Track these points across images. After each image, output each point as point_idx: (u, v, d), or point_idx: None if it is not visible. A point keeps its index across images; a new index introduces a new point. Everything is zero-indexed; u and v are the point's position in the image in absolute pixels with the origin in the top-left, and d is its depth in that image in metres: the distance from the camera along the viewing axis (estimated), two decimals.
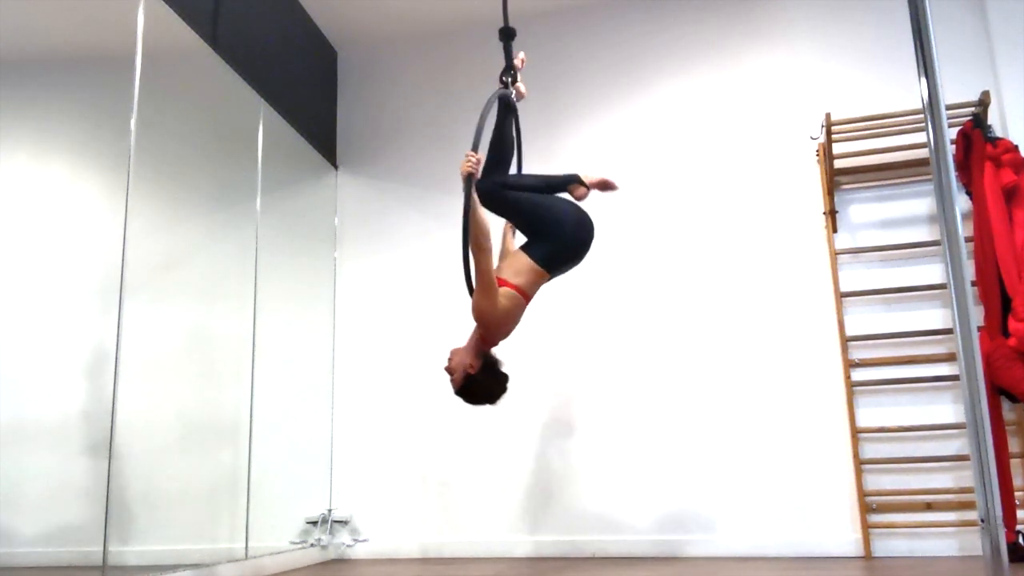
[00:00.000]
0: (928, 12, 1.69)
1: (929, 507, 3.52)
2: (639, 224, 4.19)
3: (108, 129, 2.91)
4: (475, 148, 2.69)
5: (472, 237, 2.60)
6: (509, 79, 3.10)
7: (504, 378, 2.86)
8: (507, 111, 2.99)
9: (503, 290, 2.73)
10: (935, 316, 3.71)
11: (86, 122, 2.92)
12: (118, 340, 2.71)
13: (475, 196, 2.64)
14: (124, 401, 2.72)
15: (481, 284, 2.67)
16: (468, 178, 2.63)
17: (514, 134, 3.04)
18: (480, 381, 2.80)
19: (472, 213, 2.60)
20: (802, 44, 4.18)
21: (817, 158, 3.97)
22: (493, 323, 2.74)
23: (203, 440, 3.36)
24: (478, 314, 2.71)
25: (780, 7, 4.25)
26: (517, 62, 3.14)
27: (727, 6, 4.33)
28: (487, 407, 2.95)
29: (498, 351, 2.89)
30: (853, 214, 3.95)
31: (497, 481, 4.10)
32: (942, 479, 3.56)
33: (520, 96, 3.13)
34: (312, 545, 4.00)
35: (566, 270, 3.00)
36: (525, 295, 2.79)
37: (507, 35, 3.18)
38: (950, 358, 3.60)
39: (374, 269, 4.55)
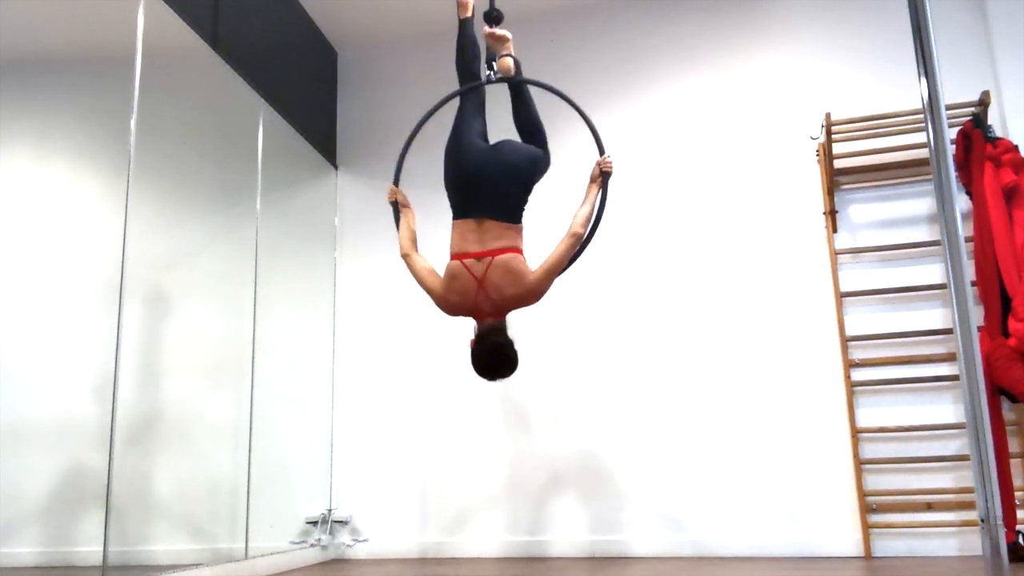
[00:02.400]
0: (928, 12, 1.69)
1: (929, 507, 3.52)
2: (639, 224, 4.19)
3: (108, 129, 2.91)
4: (396, 183, 3.27)
5: None
6: (486, 65, 3.08)
7: (486, 347, 2.71)
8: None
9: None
10: (935, 316, 3.71)
11: (86, 122, 2.92)
12: (118, 340, 2.71)
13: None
14: (124, 401, 2.72)
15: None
16: (393, 205, 3.21)
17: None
18: (473, 352, 2.75)
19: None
20: (802, 44, 4.18)
21: (817, 158, 3.97)
22: (439, 302, 2.84)
23: (203, 440, 3.36)
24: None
25: (780, 7, 4.25)
26: (491, 40, 3.08)
27: (727, 6, 4.33)
28: (509, 382, 2.91)
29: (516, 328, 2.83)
30: (853, 214, 3.95)
31: (497, 481, 4.10)
32: (942, 479, 3.56)
33: (506, 70, 3.03)
34: (312, 545, 4.00)
35: (462, 198, 2.94)
36: (453, 254, 2.82)
37: (491, 19, 3.15)
38: (950, 358, 3.60)
39: (374, 269, 4.54)
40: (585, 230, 2.83)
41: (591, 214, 2.86)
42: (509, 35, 3.08)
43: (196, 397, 3.33)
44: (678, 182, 4.20)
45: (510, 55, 3.06)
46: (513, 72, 3.04)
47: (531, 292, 2.74)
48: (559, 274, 2.79)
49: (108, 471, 2.64)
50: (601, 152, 2.99)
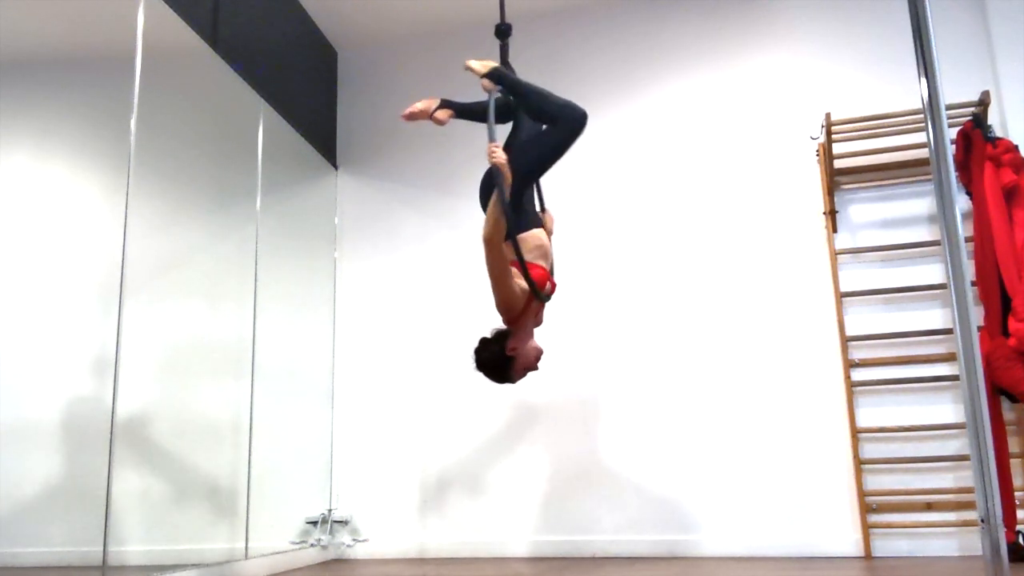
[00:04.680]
0: (928, 12, 1.69)
1: (929, 507, 3.52)
2: (639, 224, 4.19)
3: (108, 129, 2.91)
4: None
5: None
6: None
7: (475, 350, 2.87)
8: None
9: None
10: (935, 316, 3.71)
11: (86, 122, 2.92)
12: (118, 340, 2.71)
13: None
14: (124, 401, 2.72)
15: None
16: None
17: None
18: None
19: None
20: (802, 44, 4.18)
21: (817, 158, 3.97)
22: None
23: (203, 440, 3.36)
24: None
25: (780, 7, 4.25)
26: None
27: (727, 6, 4.33)
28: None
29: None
30: (853, 214, 3.95)
31: (497, 481, 4.10)
32: (942, 479, 3.56)
33: (487, 89, 2.97)
34: (312, 545, 4.00)
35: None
36: None
37: (502, 33, 3.15)
38: (950, 358, 3.60)
39: (374, 269, 4.55)
40: (487, 232, 2.67)
41: (490, 215, 2.68)
42: (467, 63, 3.03)
43: (196, 397, 3.33)
44: (678, 182, 4.20)
45: (484, 76, 2.98)
46: (494, 86, 2.96)
47: (496, 300, 2.78)
48: (499, 280, 2.70)
49: (108, 471, 2.64)
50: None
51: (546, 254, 2.94)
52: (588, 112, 2.91)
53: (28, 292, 2.67)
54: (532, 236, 2.90)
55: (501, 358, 2.83)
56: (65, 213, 2.85)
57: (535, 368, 2.92)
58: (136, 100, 2.92)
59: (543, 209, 3.20)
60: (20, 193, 2.68)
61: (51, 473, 2.68)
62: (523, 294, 2.77)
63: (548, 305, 2.93)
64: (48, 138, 2.82)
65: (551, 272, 2.99)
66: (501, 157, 2.71)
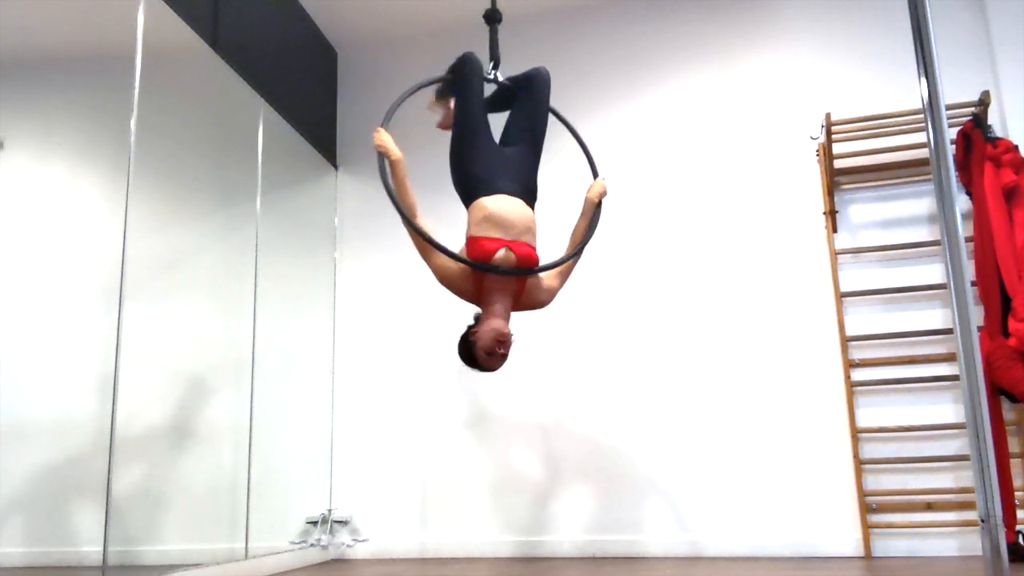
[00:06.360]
0: (928, 12, 1.70)
1: (929, 507, 3.52)
2: (639, 224, 4.19)
3: (108, 129, 2.91)
4: None
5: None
6: (492, 66, 3.05)
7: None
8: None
9: None
10: (935, 316, 3.71)
11: (86, 122, 2.92)
12: (118, 340, 2.71)
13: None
14: (124, 401, 2.72)
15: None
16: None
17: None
18: None
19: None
20: (802, 44, 4.18)
21: (817, 158, 3.97)
22: None
23: (203, 440, 3.36)
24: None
25: (780, 7, 4.25)
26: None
27: (727, 6, 4.33)
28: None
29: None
30: (853, 214, 3.95)
31: (497, 481, 4.10)
32: (942, 479, 3.56)
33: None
34: (312, 545, 4.00)
35: None
36: None
37: (491, 19, 3.10)
38: (950, 358, 3.60)
39: (374, 269, 4.54)
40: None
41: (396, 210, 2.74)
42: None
43: (196, 397, 3.33)
44: (678, 182, 4.20)
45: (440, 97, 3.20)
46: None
47: None
48: (421, 256, 2.84)
49: (108, 471, 2.64)
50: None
51: (501, 223, 2.67)
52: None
53: (29, 292, 2.67)
54: (476, 206, 2.73)
55: (464, 342, 2.73)
56: (65, 213, 2.85)
57: (495, 352, 2.63)
58: (136, 100, 2.92)
59: (595, 175, 3.12)
60: (20, 193, 2.68)
61: (51, 473, 2.68)
62: (459, 268, 2.66)
63: (551, 306, 2.91)
64: (48, 138, 2.82)
65: (581, 246, 2.91)
66: (378, 139, 2.75)
